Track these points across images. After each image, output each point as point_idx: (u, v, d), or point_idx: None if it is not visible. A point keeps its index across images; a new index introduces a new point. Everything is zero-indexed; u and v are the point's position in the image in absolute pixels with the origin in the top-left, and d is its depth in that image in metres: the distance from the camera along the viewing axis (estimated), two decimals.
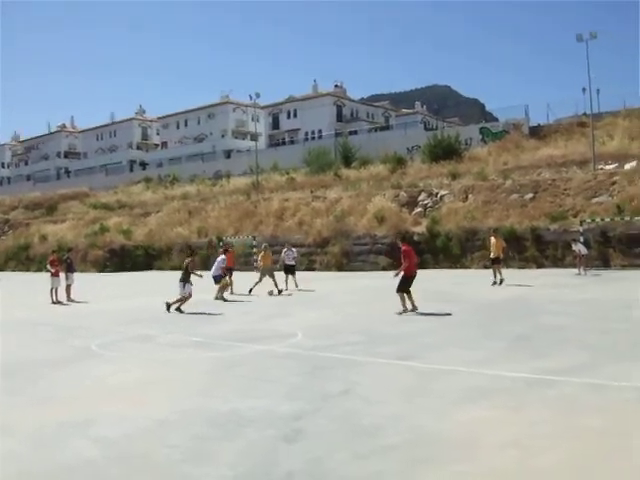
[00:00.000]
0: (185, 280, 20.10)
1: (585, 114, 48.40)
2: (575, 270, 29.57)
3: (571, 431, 7.05)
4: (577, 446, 6.55)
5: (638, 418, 7.50)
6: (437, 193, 43.36)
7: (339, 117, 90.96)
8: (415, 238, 38.84)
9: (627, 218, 32.55)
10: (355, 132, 76.23)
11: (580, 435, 6.90)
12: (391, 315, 17.08)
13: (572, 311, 17.07)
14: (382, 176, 50.87)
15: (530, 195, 38.84)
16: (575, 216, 35.16)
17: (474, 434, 7.05)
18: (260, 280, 25.00)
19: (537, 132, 53.11)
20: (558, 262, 33.46)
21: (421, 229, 39.55)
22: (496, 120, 63.06)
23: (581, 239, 30.77)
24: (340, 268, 39.47)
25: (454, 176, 45.38)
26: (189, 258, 21.17)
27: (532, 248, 34.46)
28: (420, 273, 18.11)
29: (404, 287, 17.40)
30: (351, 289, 26.60)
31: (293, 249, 28.19)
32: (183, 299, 19.99)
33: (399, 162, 53.15)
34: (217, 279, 23.18)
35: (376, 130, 79.04)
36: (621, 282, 25.29)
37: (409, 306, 17.39)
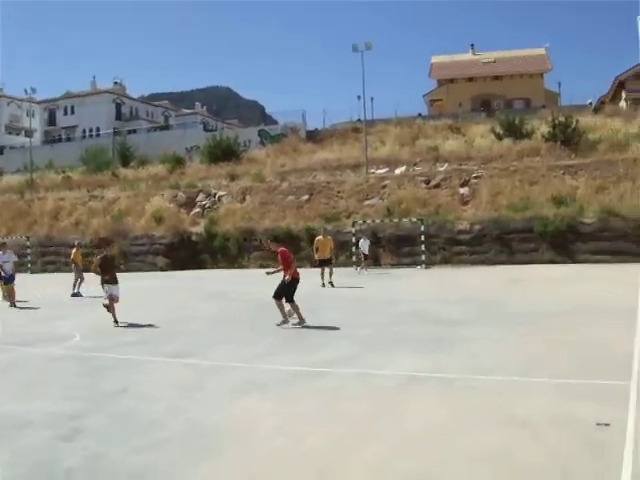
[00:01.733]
0: None
1: (359, 120, 50.50)
2: (351, 268, 31.19)
3: (335, 417, 7.60)
4: (340, 429, 7.09)
5: (394, 401, 8.21)
6: (215, 194, 43.62)
7: (118, 115, 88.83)
8: (193, 238, 39.07)
9: (396, 220, 34.66)
10: (134, 131, 74.74)
11: (343, 419, 7.47)
12: (171, 314, 17.24)
13: (343, 307, 18.09)
14: (161, 176, 50.28)
15: (306, 197, 40.17)
16: (348, 217, 36.87)
17: (247, 424, 7.43)
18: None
19: (314, 136, 54.73)
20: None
21: (199, 229, 39.66)
22: (275, 123, 64.28)
23: (362, 238, 32.19)
24: (117, 269, 38.68)
25: (232, 177, 45.80)
26: None
27: (307, 248, 35.69)
28: (198, 273, 18.30)
29: (286, 293, 14.60)
30: (131, 289, 26.25)
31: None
32: None
33: (178, 162, 52.70)
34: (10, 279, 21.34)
35: (155, 129, 77.99)
36: (390, 280, 27.00)
37: (292, 317, 14.72)
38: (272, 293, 14.62)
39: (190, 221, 41.59)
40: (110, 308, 16.04)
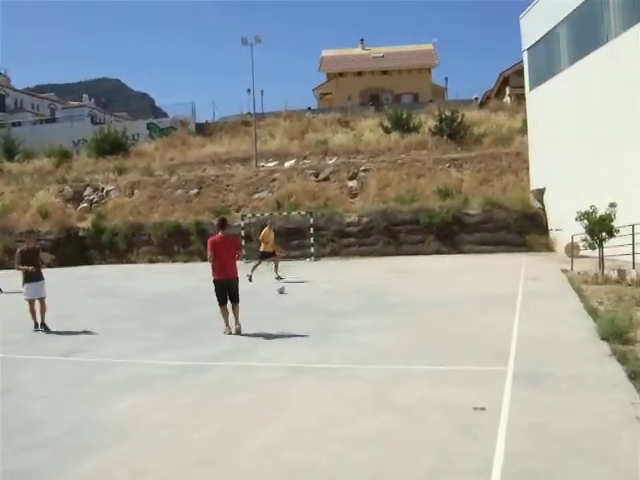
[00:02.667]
0: None
1: (249, 113, 50.24)
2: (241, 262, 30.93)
3: (221, 409, 7.57)
4: (225, 421, 7.08)
5: (279, 392, 8.20)
6: (103, 188, 42.51)
7: (2, 107, 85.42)
8: (80, 234, 37.91)
9: (285, 213, 34.59)
10: (19, 123, 71.93)
11: (228, 411, 7.42)
12: (58, 311, 16.54)
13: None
14: (47, 170, 48.60)
15: (195, 191, 39.65)
16: (237, 211, 36.64)
17: (132, 419, 7.32)
18: None
19: (203, 129, 54.11)
20: None
21: (87, 224, 38.50)
22: (165, 116, 63.20)
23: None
24: (1, 266, 37.19)
25: (121, 171, 44.76)
26: None
27: (197, 242, 35.20)
28: (87, 269, 17.60)
29: (217, 297, 13.00)
30: (17, 287, 25.14)
31: None
32: None
33: (65, 156, 51.05)
34: None
35: (41, 122, 75.33)
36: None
37: (231, 325, 12.86)
38: (161, 288, 14.48)
39: (77, 216, 40.35)
40: (30, 310, 14.30)
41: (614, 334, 9.63)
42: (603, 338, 9.84)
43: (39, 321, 14.23)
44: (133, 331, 13.58)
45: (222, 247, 12.63)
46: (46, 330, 13.93)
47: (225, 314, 12.73)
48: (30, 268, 14.56)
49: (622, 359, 8.35)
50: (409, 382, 8.33)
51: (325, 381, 8.61)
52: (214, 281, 12.77)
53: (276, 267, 23.60)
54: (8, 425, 7.24)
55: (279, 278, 22.83)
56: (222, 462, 5.89)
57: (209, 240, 12.93)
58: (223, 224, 13.19)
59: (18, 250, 15.14)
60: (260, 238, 24.28)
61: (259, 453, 6.06)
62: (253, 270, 22.88)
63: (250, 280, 21.62)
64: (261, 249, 24.05)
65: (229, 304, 12.86)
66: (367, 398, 7.65)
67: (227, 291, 12.76)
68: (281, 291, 18.56)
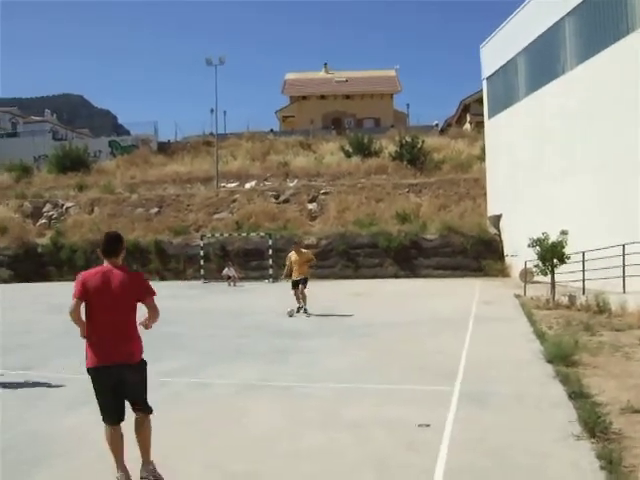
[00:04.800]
0: None
1: (212, 133, 50.35)
2: (198, 281, 31.09)
3: (172, 422, 7.65)
4: (175, 433, 7.25)
5: (230, 408, 8.37)
6: (63, 205, 42.25)
7: None
8: (39, 250, 37.61)
9: (244, 234, 34.71)
10: None
11: (179, 424, 7.63)
12: (12, 327, 16.43)
13: (188, 320, 17.89)
14: (6, 185, 48.10)
15: (155, 209, 39.60)
16: (197, 230, 36.69)
17: (80, 434, 7.46)
18: None
19: (165, 148, 53.98)
20: (180, 274, 34.59)
21: (45, 241, 38.24)
22: (127, 134, 63.03)
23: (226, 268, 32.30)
24: None
25: (81, 188, 44.52)
26: None
27: (156, 261, 35.14)
28: (44, 286, 17.51)
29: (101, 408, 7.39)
30: None
31: None
32: None
33: (25, 171, 50.63)
34: None
35: (2, 136, 74.65)
36: (237, 293, 26.96)
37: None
38: None
39: (36, 232, 40.03)
40: None
41: (559, 356, 9.92)
42: (548, 360, 10.13)
43: None
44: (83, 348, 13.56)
45: (107, 294, 5.96)
46: None
47: (117, 444, 6.01)
48: None
49: (564, 380, 8.64)
50: (358, 400, 8.52)
51: (276, 398, 8.76)
52: (88, 371, 6.27)
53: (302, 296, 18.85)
54: None
55: (301, 310, 18.65)
56: (170, 474, 5.99)
57: (80, 278, 6.04)
58: (113, 244, 6.16)
59: None
60: (287, 263, 19.54)
61: (206, 465, 6.20)
62: (300, 300, 18.78)
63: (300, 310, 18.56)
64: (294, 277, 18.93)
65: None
66: (316, 415, 7.83)
67: (117, 390, 6.11)
68: (290, 314, 18.06)
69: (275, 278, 32.35)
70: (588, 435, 6.39)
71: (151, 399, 8.75)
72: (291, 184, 41.78)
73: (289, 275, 19.20)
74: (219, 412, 8.16)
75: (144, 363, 6.22)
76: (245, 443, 6.84)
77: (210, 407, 8.40)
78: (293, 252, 19.23)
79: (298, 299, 18.68)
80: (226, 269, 32.14)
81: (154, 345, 13.51)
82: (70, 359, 12.09)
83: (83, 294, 6.00)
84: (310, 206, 38.05)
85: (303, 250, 19.67)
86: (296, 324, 16.27)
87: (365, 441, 6.75)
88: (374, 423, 7.36)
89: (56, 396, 9.25)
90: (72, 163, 49.78)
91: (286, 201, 38.81)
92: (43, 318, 19.12)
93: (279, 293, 25.97)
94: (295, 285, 18.84)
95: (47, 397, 9.22)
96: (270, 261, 32.84)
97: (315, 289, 27.40)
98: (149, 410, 6.32)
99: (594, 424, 6.45)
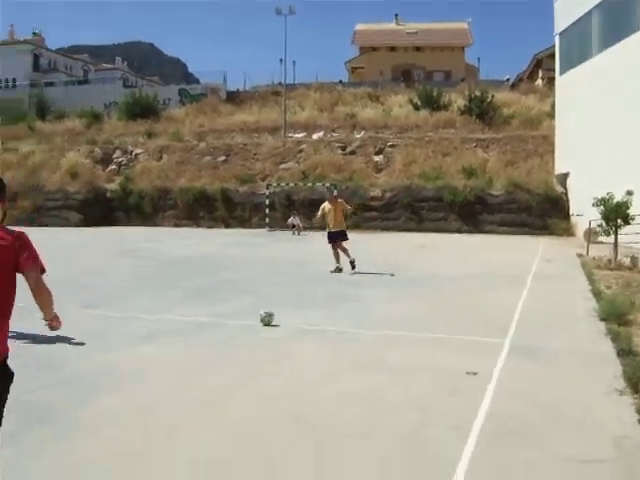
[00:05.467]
0: None
1: (280, 83, 50.44)
2: (263, 229, 31.76)
3: (226, 361, 8.02)
4: (229, 372, 7.51)
5: (281, 350, 8.68)
6: (132, 151, 43.13)
7: (35, 67, 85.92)
8: (108, 195, 38.65)
9: (310, 184, 35.00)
10: (52, 84, 72.58)
11: (233, 364, 7.88)
12: (83, 268, 17.15)
13: (251, 267, 18.35)
14: (78, 131, 49.28)
15: (223, 158, 40.12)
16: (263, 179, 37.13)
17: (143, 367, 7.78)
18: None
19: (234, 98, 54.34)
20: (245, 222, 35.18)
21: (114, 187, 39.24)
22: (197, 82, 63.53)
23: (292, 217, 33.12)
24: (31, 223, 37.92)
25: (150, 135, 45.31)
26: None
27: (222, 209, 35.78)
28: (114, 230, 18.11)
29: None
30: (45, 244, 25.77)
31: None
32: None
33: (96, 118, 51.69)
34: None
35: (74, 83, 75.93)
36: (301, 242, 27.36)
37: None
38: (184, 252, 14.50)
39: (106, 178, 41.09)
40: None
41: (613, 315, 9.95)
42: (602, 319, 10.16)
43: None
44: (154, 289, 14.14)
45: None
46: None
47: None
48: None
49: (615, 338, 8.71)
50: (407, 347, 8.75)
51: (326, 342, 9.03)
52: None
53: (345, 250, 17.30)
54: (27, 368, 7.76)
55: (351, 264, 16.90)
56: (223, 405, 6.37)
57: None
58: None
59: None
60: (320, 214, 17.87)
61: (258, 401, 6.50)
62: (337, 256, 17.22)
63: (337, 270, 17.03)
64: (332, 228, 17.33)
65: None
66: (365, 359, 8.07)
67: None
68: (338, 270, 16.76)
69: None
70: (631, 391, 6.54)
71: (207, 337, 9.31)
72: (358, 136, 41.76)
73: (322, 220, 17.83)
74: (271, 354, 8.47)
75: (5, 371, 4.17)
76: (294, 384, 7.11)
77: (263, 349, 8.73)
78: (327, 203, 17.67)
79: (337, 257, 16.97)
80: (291, 218, 32.63)
81: (215, 289, 14.06)
82: (135, 301, 12.66)
83: None
84: (376, 158, 38.05)
85: (339, 200, 17.97)
86: (355, 274, 16.45)
87: (410, 386, 6.94)
88: (421, 369, 7.56)
89: (124, 332, 9.70)
90: (142, 110, 50.58)
91: (352, 153, 38.85)
92: (113, 261, 19.79)
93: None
94: (331, 239, 17.14)
95: (115, 333, 9.69)
96: None
97: (378, 241, 27.70)
98: None
99: (638, 380, 6.59)
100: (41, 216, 37.97)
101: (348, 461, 5.00)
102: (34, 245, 4.10)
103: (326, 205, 17.55)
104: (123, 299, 12.78)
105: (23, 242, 4.02)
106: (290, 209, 34.12)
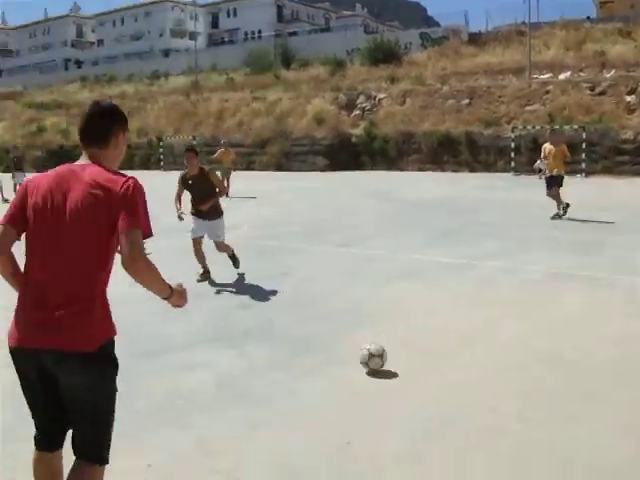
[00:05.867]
0: None
1: (524, 22, 48.92)
2: (508, 174, 31.52)
3: (486, 301, 8.41)
4: (488, 311, 7.93)
5: (537, 292, 9.02)
6: (375, 96, 43.88)
7: (279, 18, 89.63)
8: (353, 140, 39.88)
9: (557, 127, 33.89)
10: (295, 33, 75.35)
11: (491, 303, 8.30)
12: (333, 209, 18.22)
13: (498, 210, 18.49)
14: (322, 78, 50.89)
15: (466, 101, 39.80)
16: (508, 123, 36.45)
17: (399, 303, 8.42)
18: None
19: (476, 39, 53.45)
20: (490, 167, 34.91)
21: (359, 132, 40.35)
22: (437, 25, 63.25)
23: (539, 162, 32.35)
24: (279, 168, 40.27)
25: (393, 80, 45.77)
26: None
27: (466, 152, 35.73)
28: (359, 174, 18.94)
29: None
30: (296, 188, 27.38)
31: None
32: None
33: (339, 65, 53.03)
34: None
35: (316, 32, 78.28)
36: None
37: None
38: (429, 195, 14.96)
39: (350, 123, 42.26)
40: (195, 253, 10.34)
41: None
42: None
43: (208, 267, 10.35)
44: (401, 230, 14.86)
45: (53, 212, 3.15)
46: (235, 264, 10.49)
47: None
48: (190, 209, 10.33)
49: None
50: None
51: (583, 287, 9.23)
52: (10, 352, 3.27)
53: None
54: (289, 299, 8.65)
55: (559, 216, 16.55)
56: (479, 343, 6.90)
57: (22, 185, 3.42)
58: (96, 122, 3.36)
59: (179, 176, 10.54)
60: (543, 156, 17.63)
61: (511, 340, 6.97)
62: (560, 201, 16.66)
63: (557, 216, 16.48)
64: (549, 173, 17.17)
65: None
66: (620, 305, 8.21)
67: (48, 396, 3.25)
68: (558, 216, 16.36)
69: (588, 173, 31.53)
70: None
71: (460, 279, 9.78)
72: (608, 75, 39.58)
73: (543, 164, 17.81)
74: (525, 295, 8.79)
75: (107, 358, 3.20)
76: (550, 325, 7.44)
77: (517, 289, 9.10)
78: (548, 143, 17.33)
79: (558, 201, 16.42)
80: (538, 162, 31.89)
81: (463, 231, 14.35)
82: (388, 239, 13.36)
83: (15, 216, 3.26)
84: (628, 98, 35.93)
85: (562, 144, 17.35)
86: (608, 219, 15.85)
87: None
88: None
89: (376, 270, 10.43)
90: (384, 55, 51.14)
91: (602, 93, 36.96)
92: (363, 202, 20.75)
93: (591, 189, 25.43)
94: (550, 183, 16.72)
95: (366, 271, 10.44)
96: (583, 155, 31.91)
97: (632, 185, 26.47)
98: (95, 456, 3.23)
99: None
100: (289, 161, 40.09)
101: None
102: (145, 199, 3.19)
103: (547, 146, 17.23)
104: (374, 239, 13.52)
105: (128, 191, 3.12)
106: (536, 153, 33.36)
